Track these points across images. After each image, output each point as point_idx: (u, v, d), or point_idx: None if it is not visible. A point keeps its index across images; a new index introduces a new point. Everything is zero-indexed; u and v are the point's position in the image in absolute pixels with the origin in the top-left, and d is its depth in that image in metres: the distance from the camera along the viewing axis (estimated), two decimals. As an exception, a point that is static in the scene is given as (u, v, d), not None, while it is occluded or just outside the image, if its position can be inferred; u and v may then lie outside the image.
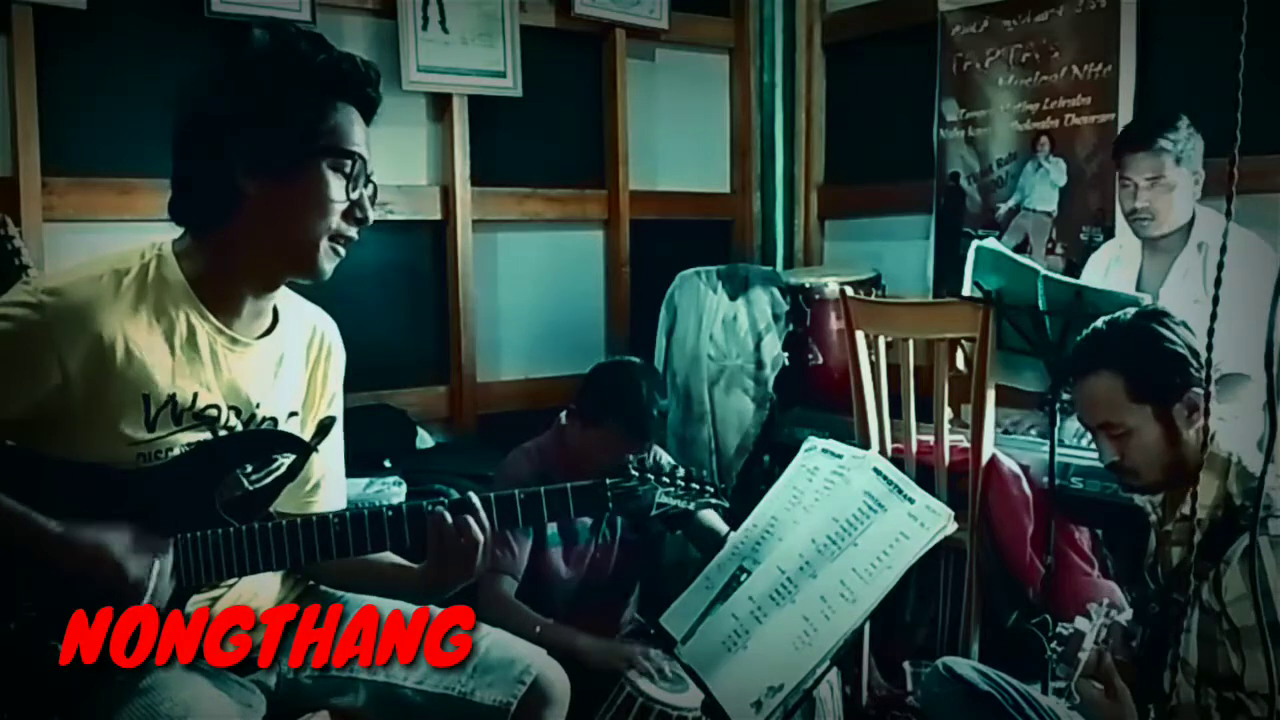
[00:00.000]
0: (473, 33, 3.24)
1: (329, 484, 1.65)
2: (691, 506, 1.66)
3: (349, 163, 1.41)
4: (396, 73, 3.08)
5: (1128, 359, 1.70)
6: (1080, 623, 1.66)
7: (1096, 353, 1.74)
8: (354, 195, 1.42)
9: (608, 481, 1.59)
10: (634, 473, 1.60)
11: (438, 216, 3.28)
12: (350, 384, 1.71)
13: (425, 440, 3.12)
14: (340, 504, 1.67)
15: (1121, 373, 1.69)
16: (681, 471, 1.68)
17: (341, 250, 1.45)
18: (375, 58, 2.90)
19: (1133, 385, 1.68)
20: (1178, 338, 1.68)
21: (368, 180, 1.44)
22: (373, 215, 1.45)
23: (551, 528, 2.33)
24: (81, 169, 2.69)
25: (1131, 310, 1.79)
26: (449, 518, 1.45)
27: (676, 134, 3.86)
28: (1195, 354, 1.65)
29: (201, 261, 1.43)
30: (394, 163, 3.13)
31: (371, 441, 2.74)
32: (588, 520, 2.37)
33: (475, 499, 1.49)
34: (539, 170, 3.50)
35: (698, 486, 1.66)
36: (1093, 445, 2.56)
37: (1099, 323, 1.79)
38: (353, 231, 1.44)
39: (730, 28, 3.96)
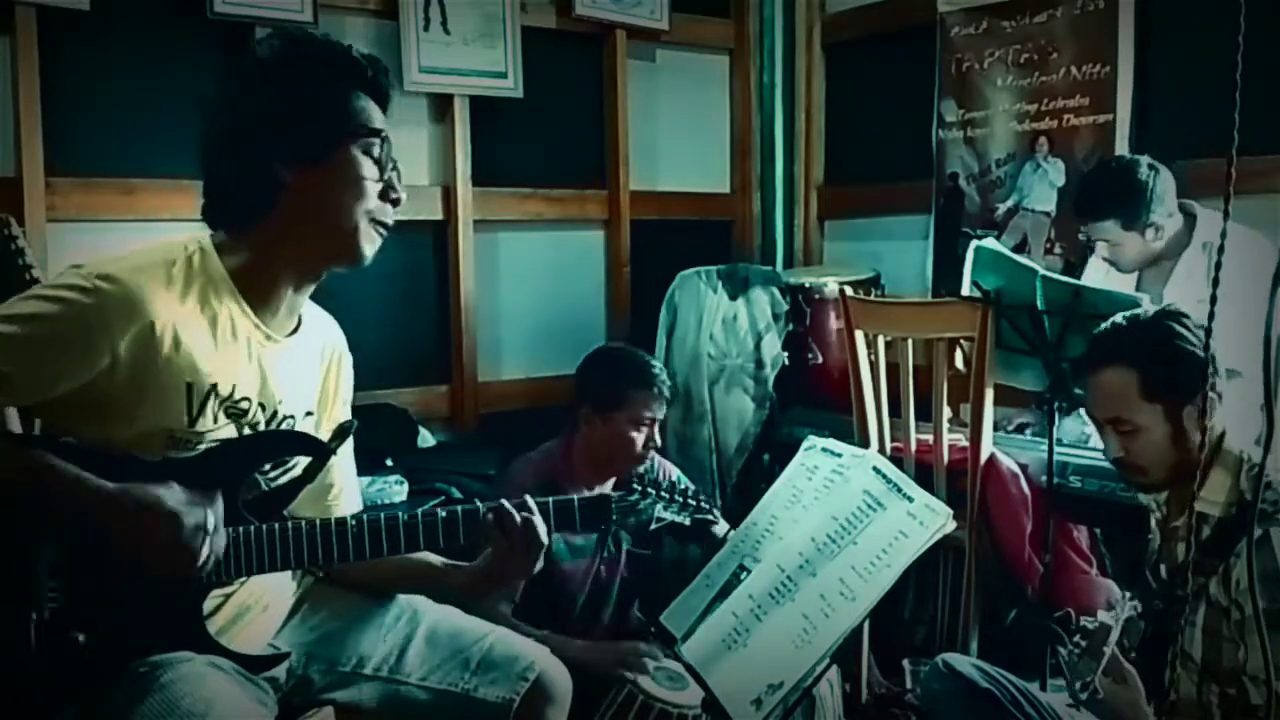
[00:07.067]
0: (474, 34, 3.24)
1: (349, 489, 1.68)
2: (688, 521, 1.74)
3: (377, 143, 1.46)
4: (398, 73, 3.08)
5: (1143, 356, 1.69)
6: (1104, 615, 1.66)
7: (1113, 347, 1.74)
8: (385, 175, 1.47)
9: (612, 495, 1.66)
10: (636, 487, 1.68)
11: (439, 216, 3.29)
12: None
13: (426, 439, 3.12)
14: (357, 508, 1.70)
15: (1136, 369, 1.69)
16: (681, 485, 1.77)
17: (383, 233, 1.48)
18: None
19: (1146, 383, 1.68)
20: (1196, 339, 1.67)
21: (394, 164, 1.49)
22: (404, 195, 1.50)
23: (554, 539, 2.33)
24: (85, 169, 2.67)
25: (1152, 309, 1.78)
26: (517, 516, 1.52)
27: (676, 134, 3.86)
28: (1213, 357, 1.64)
29: (242, 256, 1.46)
30: (396, 163, 3.13)
31: (373, 440, 2.73)
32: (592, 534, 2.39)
33: (532, 503, 1.55)
34: (540, 170, 3.50)
35: (694, 502, 1.74)
36: (1092, 444, 2.61)
37: (1118, 317, 1.78)
38: (389, 215, 1.48)
39: (730, 28, 3.96)
